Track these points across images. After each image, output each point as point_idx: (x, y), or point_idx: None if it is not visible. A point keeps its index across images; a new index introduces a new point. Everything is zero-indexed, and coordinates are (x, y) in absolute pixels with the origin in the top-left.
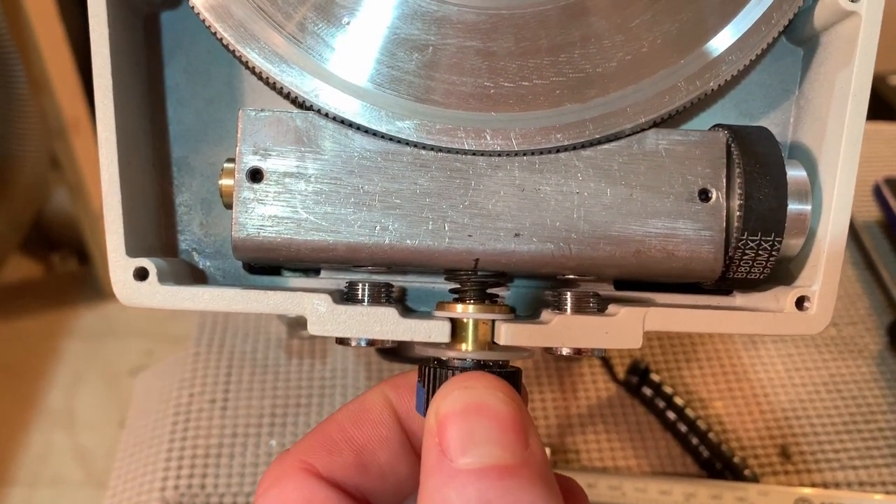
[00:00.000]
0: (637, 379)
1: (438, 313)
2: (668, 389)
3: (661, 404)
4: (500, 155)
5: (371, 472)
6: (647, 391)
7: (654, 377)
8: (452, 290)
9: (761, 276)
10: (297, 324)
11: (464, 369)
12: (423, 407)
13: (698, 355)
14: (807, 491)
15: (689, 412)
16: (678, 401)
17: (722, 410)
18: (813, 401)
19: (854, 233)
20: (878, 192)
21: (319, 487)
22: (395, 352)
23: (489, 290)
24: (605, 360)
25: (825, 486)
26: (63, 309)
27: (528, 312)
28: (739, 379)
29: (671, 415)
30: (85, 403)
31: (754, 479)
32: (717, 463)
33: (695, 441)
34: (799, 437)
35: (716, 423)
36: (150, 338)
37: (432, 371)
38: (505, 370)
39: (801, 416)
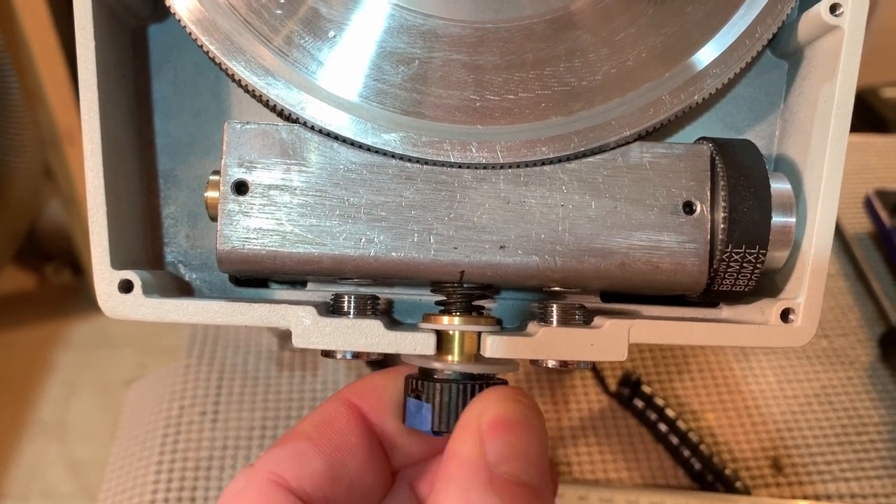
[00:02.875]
0: (628, 391)
1: (424, 325)
2: (659, 401)
3: (653, 416)
4: (485, 168)
5: (341, 483)
6: (639, 403)
7: (646, 389)
8: (438, 303)
9: (746, 289)
10: (288, 336)
11: (450, 381)
12: (430, 421)
13: (690, 367)
14: (799, 503)
15: (681, 424)
16: (670, 413)
17: (714, 422)
18: (805, 413)
19: (845, 245)
20: (868, 204)
21: (289, 500)
22: (385, 364)
23: (475, 303)
24: (597, 371)
25: (817, 498)
26: (56, 320)
27: (515, 324)
28: (731, 391)
29: (663, 427)
30: (78, 415)
31: (746, 491)
32: (709, 475)
33: (686, 453)
34: (791, 449)
35: (707, 436)
36: (144, 349)
37: (418, 383)
38: (492, 382)
39: (793, 428)
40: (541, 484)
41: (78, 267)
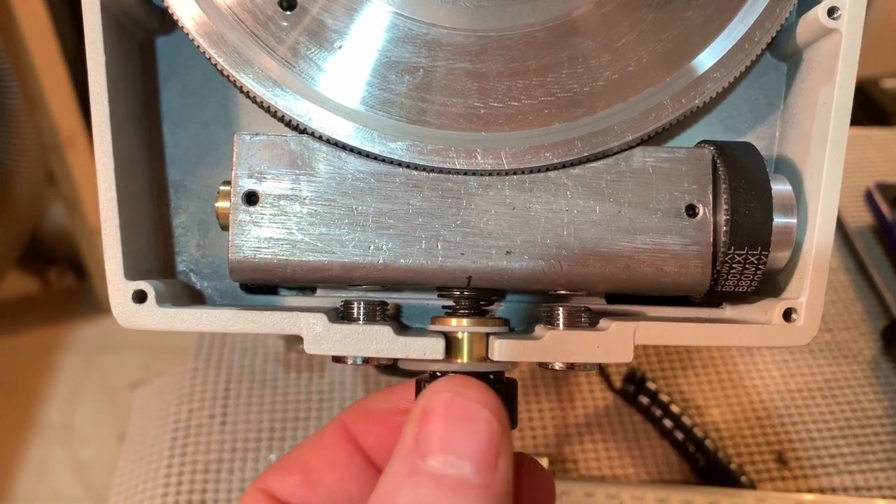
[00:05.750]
0: (633, 387)
1: (433, 328)
2: (664, 397)
3: (658, 412)
4: (490, 174)
5: (319, 491)
6: (644, 399)
7: (651, 385)
8: (446, 307)
9: (749, 289)
10: (295, 338)
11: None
12: None
13: (694, 363)
14: (804, 497)
15: (686, 420)
16: (674, 409)
17: (718, 417)
18: (808, 406)
19: (846, 238)
20: (869, 197)
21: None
22: (393, 367)
23: (482, 306)
24: (602, 369)
25: (822, 491)
26: (60, 324)
27: (521, 326)
28: (735, 386)
29: (668, 423)
30: (83, 418)
31: (751, 485)
32: (714, 470)
33: (692, 448)
34: (795, 442)
35: (712, 431)
36: (148, 351)
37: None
38: (501, 382)
39: (797, 421)
40: (476, 478)
41: (81, 270)
